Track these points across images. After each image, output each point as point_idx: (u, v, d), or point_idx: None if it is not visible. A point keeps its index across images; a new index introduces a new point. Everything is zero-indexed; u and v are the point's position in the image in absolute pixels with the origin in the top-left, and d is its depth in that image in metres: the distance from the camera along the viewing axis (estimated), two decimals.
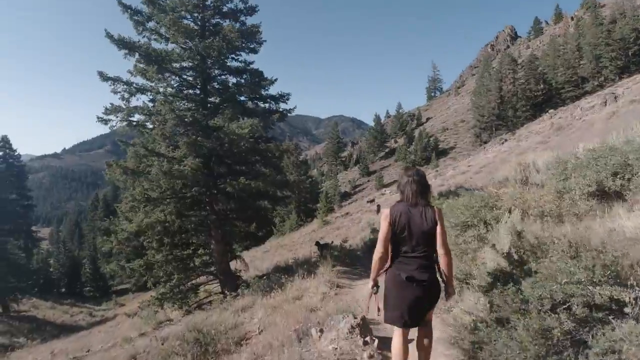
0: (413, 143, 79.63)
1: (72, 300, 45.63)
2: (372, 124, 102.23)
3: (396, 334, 3.39)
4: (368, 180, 78.08)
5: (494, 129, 71.22)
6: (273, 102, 14.66)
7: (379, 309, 3.42)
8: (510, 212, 6.67)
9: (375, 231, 17.95)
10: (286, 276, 10.90)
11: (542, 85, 72.15)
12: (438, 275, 3.30)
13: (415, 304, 3.21)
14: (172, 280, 14.20)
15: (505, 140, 36.87)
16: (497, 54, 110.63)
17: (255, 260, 31.06)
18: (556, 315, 2.80)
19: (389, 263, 3.35)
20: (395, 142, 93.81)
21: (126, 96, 13.71)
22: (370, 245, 14.68)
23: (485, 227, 7.18)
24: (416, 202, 3.25)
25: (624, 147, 6.87)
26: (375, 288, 3.41)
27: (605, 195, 6.52)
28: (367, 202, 39.64)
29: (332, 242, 17.76)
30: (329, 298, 7.54)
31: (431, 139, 78.23)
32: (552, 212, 6.56)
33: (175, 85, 14.30)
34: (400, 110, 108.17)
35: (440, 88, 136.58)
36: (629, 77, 39.32)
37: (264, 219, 15.76)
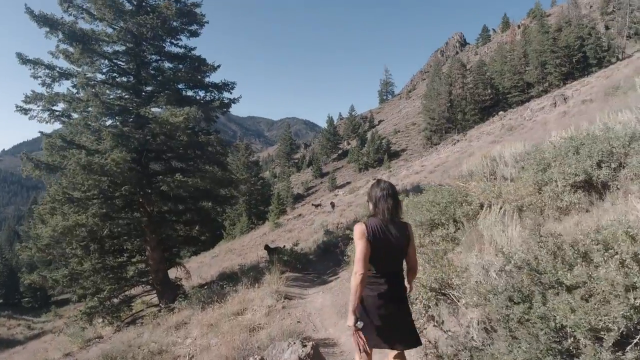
0: (366, 145, 79.57)
1: (10, 312, 42.74)
2: (325, 126, 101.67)
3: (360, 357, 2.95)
4: (321, 182, 77.30)
5: (444, 131, 72.62)
6: (215, 91, 13.16)
7: (361, 349, 2.86)
8: (488, 207, 5.75)
9: (328, 233, 16.86)
10: (231, 285, 9.65)
11: (489, 90, 74.34)
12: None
13: (395, 321, 2.91)
14: (103, 292, 12.58)
15: (457, 140, 36.86)
16: (447, 60, 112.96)
17: (203, 267, 29.45)
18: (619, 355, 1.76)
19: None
20: (348, 144, 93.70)
21: (48, 81, 11.93)
22: (324, 248, 13.56)
23: (455, 225, 6.23)
24: (392, 219, 3.00)
25: (606, 135, 6.09)
26: (359, 323, 2.84)
27: (589, 187, 5.71)
28: (313, 205, 38.47)
29: (284, 245, 16.51)
30: (276, 312, 6.33)
31: (383, 141, 78.52)
32: (533, 206, 5.67)
33: (105, 71, 12.59)
34: (353, 113, 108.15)
35: (392, 91, 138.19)
36: (576, 81, 40.40)
37: (208, 221, 14.19)
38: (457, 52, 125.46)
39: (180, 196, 12.46)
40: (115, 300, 13.01)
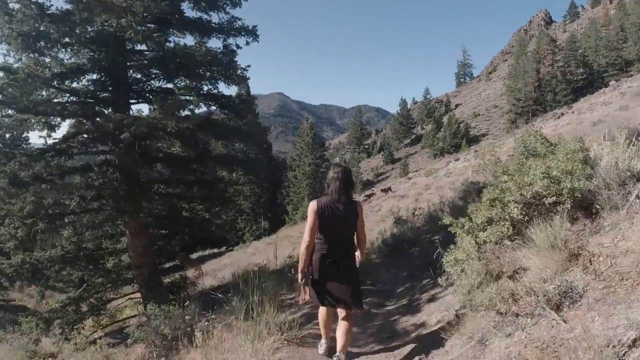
0: (442, 129, 72.75)
1: None
2: (397, 114, 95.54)
3: (322, 308, 3.75)
4: (392, 168, 71.82)
5: (530, 114, 64.27)
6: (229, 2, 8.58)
7: (306, 300, 3.55)
8: None
9: (400, 222, 12.09)
10: (230, 296, 5.34)
11: (582, 69, 65.44)
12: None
13: (334, 279, 3.51)
14: (78, 290, 8.90)
15: (562, 114, 30.42)
16: (531, 39, 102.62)
17: (255, 254, 25.92)
18: None
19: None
20: (422, 128, 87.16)
21: None
22: (394, 245, 8.78)
23: None
24: (339, 198, 3.51)
25: None
26: (305, 279, 3.50)
27: None
28: (381, 190, 33.28)
29: None
30: None
31: (461, 125, 71.32)
32: None
33: None
34: (428, 96, 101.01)
35: (470, 73, 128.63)
36: None
37: (225, 198, 9.81)
38: (542, 31, 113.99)
39: (175, 157, 8.30)
40: (92, 302, 9.27)
